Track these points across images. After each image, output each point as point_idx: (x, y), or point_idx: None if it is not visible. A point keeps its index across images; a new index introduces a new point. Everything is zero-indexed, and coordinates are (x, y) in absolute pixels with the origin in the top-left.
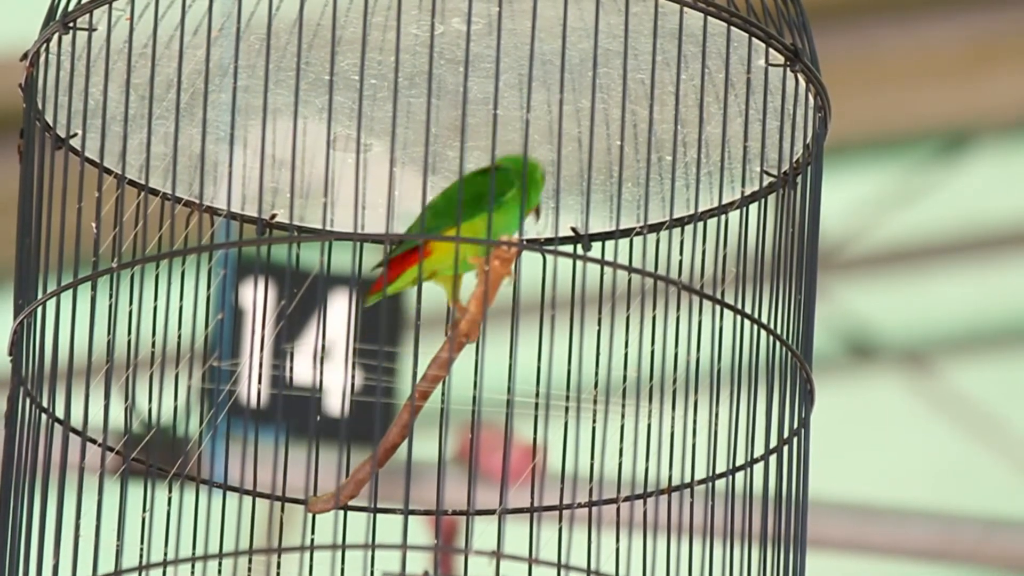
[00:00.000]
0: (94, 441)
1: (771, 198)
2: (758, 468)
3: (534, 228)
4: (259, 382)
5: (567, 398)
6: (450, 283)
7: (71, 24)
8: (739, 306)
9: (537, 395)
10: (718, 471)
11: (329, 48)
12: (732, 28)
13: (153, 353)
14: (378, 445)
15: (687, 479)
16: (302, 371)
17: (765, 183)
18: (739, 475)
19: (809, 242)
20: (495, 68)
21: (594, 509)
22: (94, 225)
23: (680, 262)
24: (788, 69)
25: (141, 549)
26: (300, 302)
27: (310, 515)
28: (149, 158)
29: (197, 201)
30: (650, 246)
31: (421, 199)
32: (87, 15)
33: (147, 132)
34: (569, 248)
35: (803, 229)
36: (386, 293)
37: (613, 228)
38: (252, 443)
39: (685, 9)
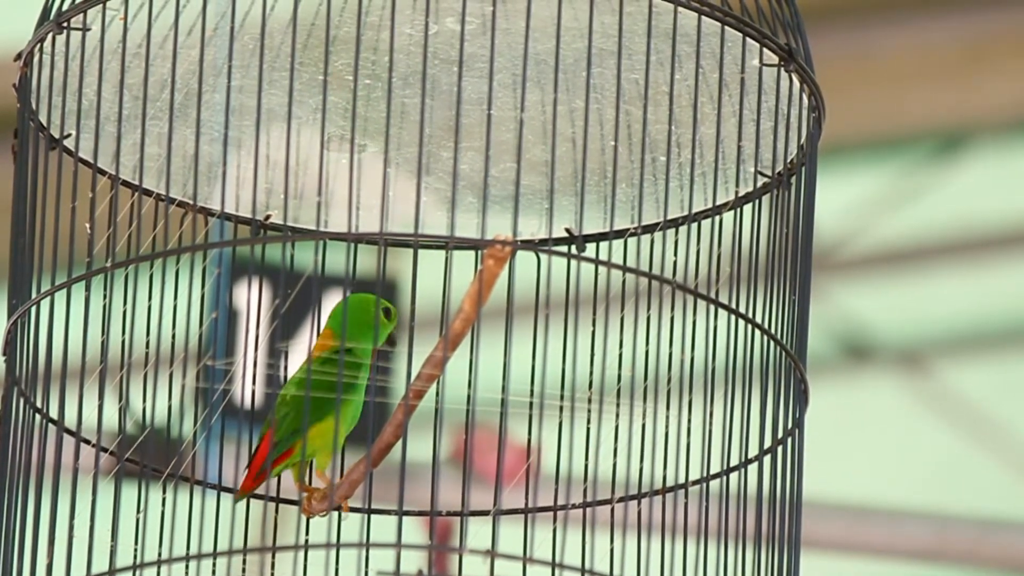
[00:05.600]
0: (88, 441)
1: (765, 199)
2: (752, 468)
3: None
4: (253, 382)
5: (561, 398)
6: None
7: (65, 24)
8: (733, 306)
9: (531, 395)
10: (712, 471)
11: (323, 48)
12: (726, 28)
13: (147, 353)
14: (372, 445)
15: (681, 479)
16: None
17: (759, 184)
18: (733, 475)
19: (803, 242)
20: (489, 68)
21: (588, 510)
22: (88, 225)
23: (675, 262)
24: (782, 69)
25: (135, 549)
26: (294, 302)
27: (304, 515)
28: (143, 159)
29: (191, 201)
30: (644, 246)
31: (415, 199)
32: (81, 15)
33: (141, 133)
34: (563, 248)
35: (797, 229)
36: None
37: (607, 229)
38: (246, 443)
39: (679, 9)
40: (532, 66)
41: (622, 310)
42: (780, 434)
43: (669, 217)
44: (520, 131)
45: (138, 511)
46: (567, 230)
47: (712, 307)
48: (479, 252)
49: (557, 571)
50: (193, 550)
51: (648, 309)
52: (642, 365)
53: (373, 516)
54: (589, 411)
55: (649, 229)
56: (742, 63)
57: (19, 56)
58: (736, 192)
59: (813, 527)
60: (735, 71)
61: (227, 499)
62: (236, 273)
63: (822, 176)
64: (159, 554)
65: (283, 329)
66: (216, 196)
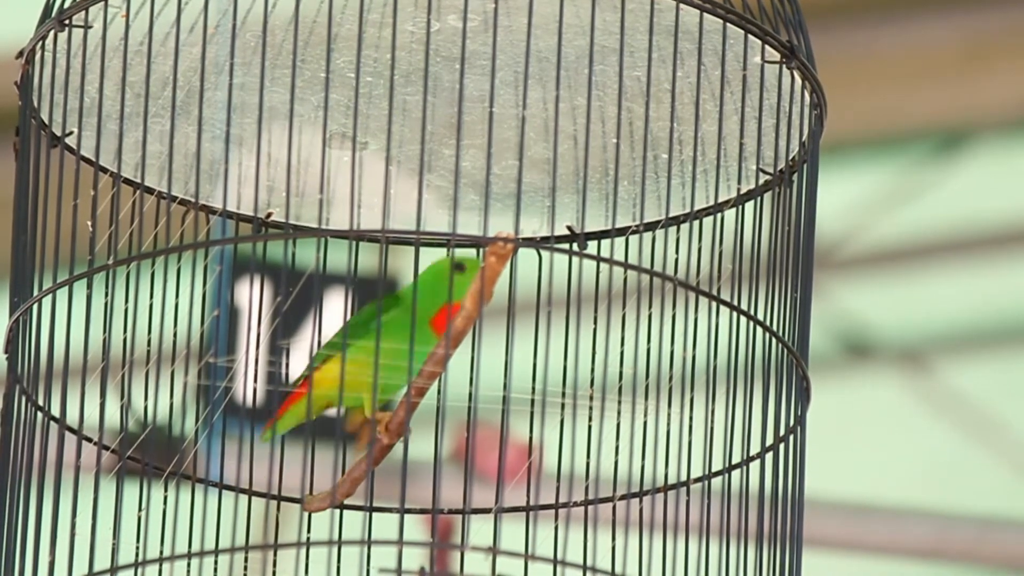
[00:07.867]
0: (90, 439)
1: (767, 196)
2: (754, 466)
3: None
4: (255, 380)
5: (563, 396)
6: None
7: (67, 22)
8: (735, 303)
9: (533, 393)
10: (714, 469)
11: (325, 46)
12: (728, 25)
13: (149, 351)
14: (374, 443)
15: (683, 477)
16: (298, 369)
17: (761, 181)
18: (735, 473)
19: (805, 240)
20: (491, 65)
21: (590, 507)
22: (89, 223)
23: (676, 260)
24: (784, 66)
25: (137, 547)
26: (296, 300)
27: (306, 513)
28: (145, 156)
29: (193, 199)
30: (646, 244)
31: (417, 197)
32: (83, 12)
33: (143, 130)
34: (565, 246)
35: (799, 227)
36: (275, 431)
37: (609, 226)
38: (248, 441)
39: (681, 6)
40: (534, 63)
41: (624, 307)
42: (782, 431)
43: (671, 215)
44: (522, 129)
45: (140, 509)
46: (569, 227)
47: (714, 304)
48: (481, 250)
49: (559, 569)
50: (195, 548)
51: (650, 306)
52: (644, 362)
53: (375, 514)
54: (591, 409)
55: (651, 226)
56: (744, 60)
57: (21, 54)
58: (738, 189)
59: (814, 525)
60: (737, 68)
61: (229, 497)
62: (237, 271)
63: (823, 174)
64: (161, 552)
65: (284, 327)
66: (218, 194)
